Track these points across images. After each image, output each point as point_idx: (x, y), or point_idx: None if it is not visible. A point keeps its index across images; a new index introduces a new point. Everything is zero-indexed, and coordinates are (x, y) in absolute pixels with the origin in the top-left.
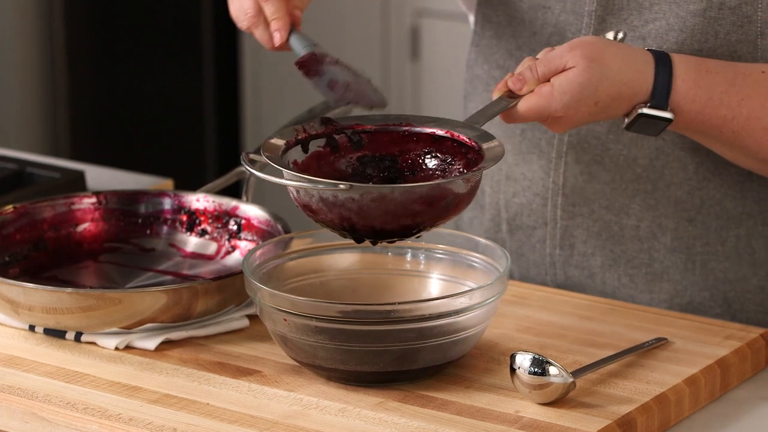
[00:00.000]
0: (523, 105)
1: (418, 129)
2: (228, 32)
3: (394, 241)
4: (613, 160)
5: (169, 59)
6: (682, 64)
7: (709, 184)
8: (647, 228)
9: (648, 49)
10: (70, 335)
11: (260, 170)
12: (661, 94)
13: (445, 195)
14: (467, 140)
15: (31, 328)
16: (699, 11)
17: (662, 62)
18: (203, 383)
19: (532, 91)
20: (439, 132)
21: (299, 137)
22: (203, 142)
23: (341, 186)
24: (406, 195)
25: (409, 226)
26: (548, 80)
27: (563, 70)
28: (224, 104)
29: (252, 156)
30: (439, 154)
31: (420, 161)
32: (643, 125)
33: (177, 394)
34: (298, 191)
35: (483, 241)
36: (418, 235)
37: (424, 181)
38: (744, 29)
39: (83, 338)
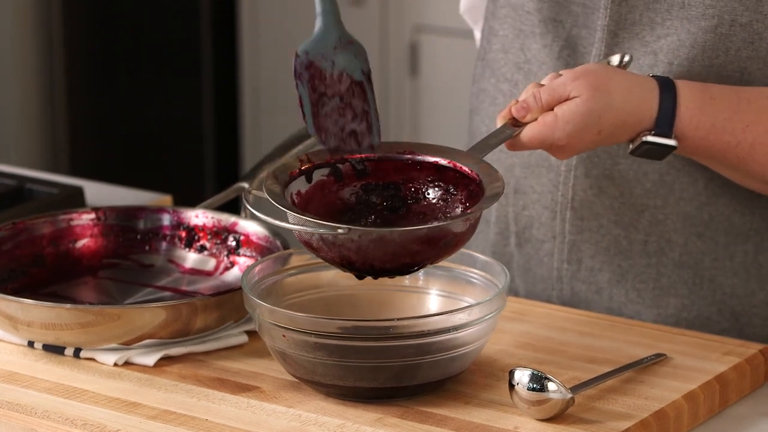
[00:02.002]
0: (526, 134)
1: (421, 158)
2: (227, 48)
3: (394, 277)
4: (623, 175)
5: (169, 75)
6: (686, 91)
7: (719, 200)
8: (655, 243)
9: (652, 75)
10: (69, 351)
11: (258, 207)
12: (665, 122)
13: (444, 235)
14: (469, 172)
15: (30, 344)
16: (710, 27)
17: (666, 89)
18: (202, 399)
19: (535, 119)
20: (442, 162)
21: (303, 168)
22: (202, 158)
23: (339, 230)
24: (405, 236)
25: (408, 264)
26: (552, 108)
27: (567, 99)
28: (223, 120)
29: (254, 192)
30: (441, 184)
31: (423, 190)
32: (648, 152)
33: (176, 410)
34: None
35: (482, 257)
36: (417, 270)
37: (425, 216)
38: (755, 46)
39: (82, 354)
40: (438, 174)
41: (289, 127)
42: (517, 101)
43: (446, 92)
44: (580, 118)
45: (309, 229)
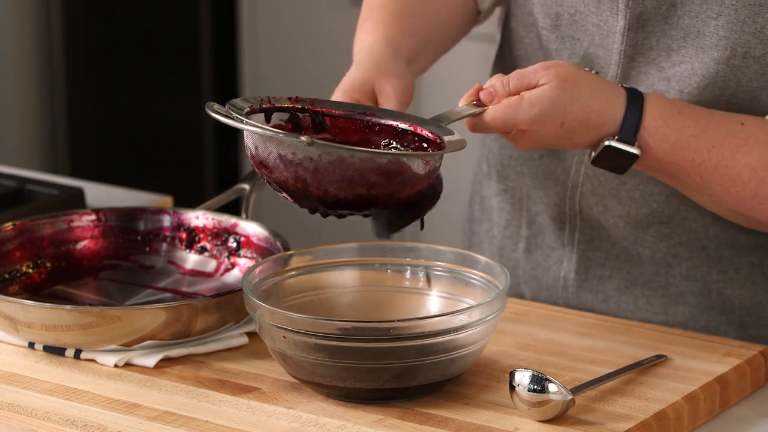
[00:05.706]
0: (489, 114)
1: (381, 120)
2: (227, 48)
3: (344, 215)
4: (629, 195)
5: (169, 77)
6: (654, 102)
7: (724, 221)
8: (662, 258)
9: (622, 86)
10: (70, 352)
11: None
12: (629, 129)
13: (403, 171)
14: (429, 134)
15: (31, 345)
16: (723, 59)
17: (634, 97)
18: (203, 400)
19: None
20: (402, 125)
21: (264, 106)
22: (202, 159)
23: (302, 139)
24: (365, 163)
25: (362, 197)
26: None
27: (535, 86)
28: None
29: (216, 107)
30: (399, 146)
31: (382, 143)
32: (609, 159)
33: (176, 411)
34: (256, 147)
35: (483, 258)
36: (367, 213)
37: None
38: (767, 77)
39: (83, 355)
40: (397, 137)
41: None
42: (482, 86)
43: (447, 92)
44: (547, 103)
45: (271, 133)
